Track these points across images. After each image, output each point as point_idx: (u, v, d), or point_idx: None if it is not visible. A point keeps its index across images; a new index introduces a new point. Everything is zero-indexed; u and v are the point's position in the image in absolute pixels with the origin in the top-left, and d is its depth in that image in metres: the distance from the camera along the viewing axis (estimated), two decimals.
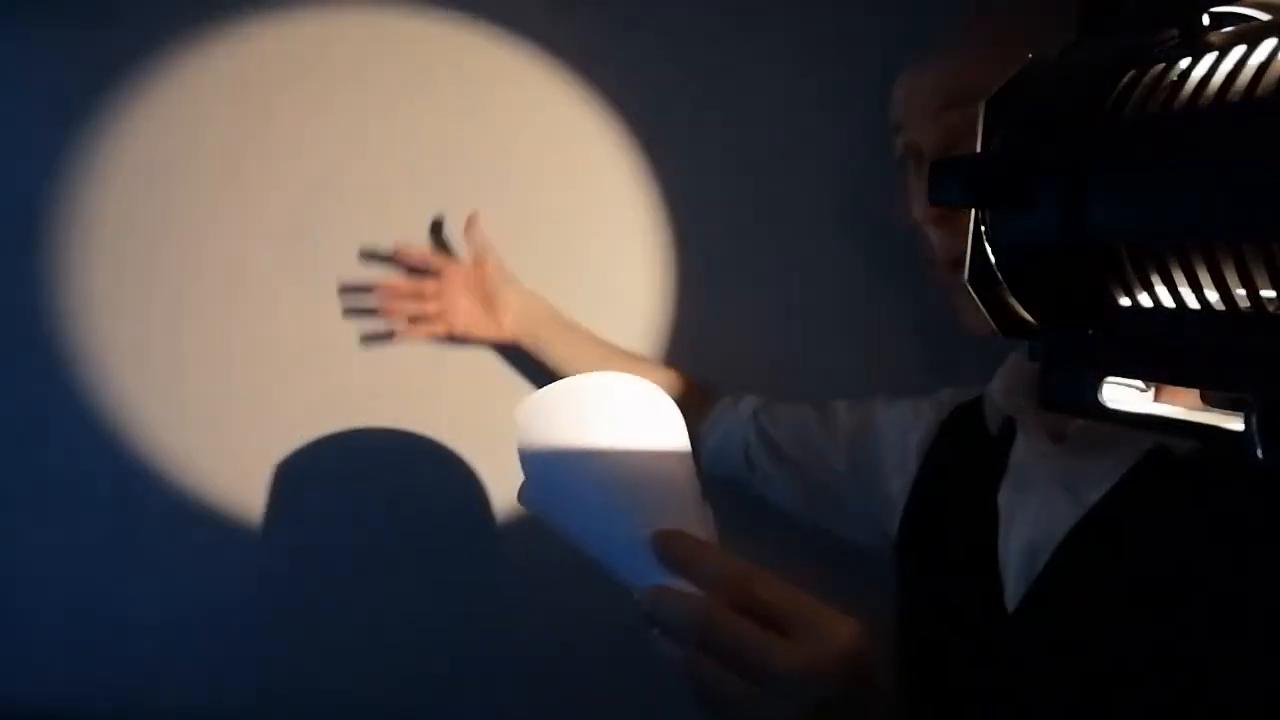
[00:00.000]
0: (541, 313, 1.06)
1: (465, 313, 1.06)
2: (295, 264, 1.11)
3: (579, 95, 1.09)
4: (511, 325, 1.05)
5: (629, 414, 0.58)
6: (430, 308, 1.08)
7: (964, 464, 0.75)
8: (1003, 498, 0.67)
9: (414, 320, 1.09)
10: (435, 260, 1.08)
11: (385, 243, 1.10)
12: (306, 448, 1.13)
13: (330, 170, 1.10)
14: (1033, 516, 0.63)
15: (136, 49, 1.10)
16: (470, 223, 1.04)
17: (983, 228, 0.36)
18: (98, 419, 1.13)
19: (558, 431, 0.58)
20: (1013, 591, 0.63)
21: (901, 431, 0.85)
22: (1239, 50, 0.29)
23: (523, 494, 0.59)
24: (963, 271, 0.63)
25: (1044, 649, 0.60)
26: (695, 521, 0.56)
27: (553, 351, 1.04)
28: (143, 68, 1.10)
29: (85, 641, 1.15)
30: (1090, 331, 0.34)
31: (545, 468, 0.58)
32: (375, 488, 1.14)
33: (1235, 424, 0.30)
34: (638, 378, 0.60)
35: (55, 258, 1.12)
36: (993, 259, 0.36)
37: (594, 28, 1.08)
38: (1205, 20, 0.31)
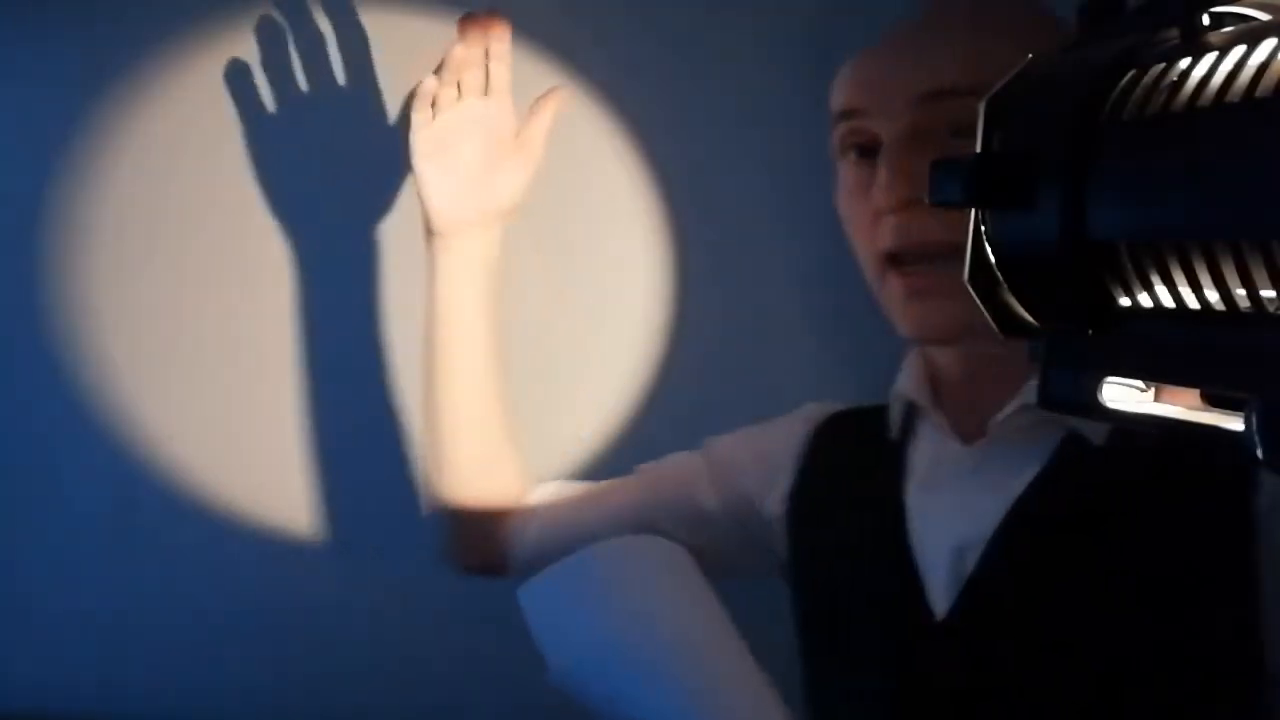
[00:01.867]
0: (493, 260, 0.86)
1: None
2: (294, 264, 1.11)
3: (577, 95, 1.09)
4: (472, 215, 0.83)
5: (646, 581, 0.57)
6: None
7: (855, 469, 0.75)
8: (914, 500, 0.67)
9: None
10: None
11: (385, 241, 1.10)
12: (305, 447, 1.13)
13: (330, 170, 1.10)
14: (955, 517, 0.64)
15: (135, 49, 1.10)
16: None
17: (983, 228, 0.36)
18: (94, 418, 1.13)
19: (579, 613, 0.56)
20: (940, 595, 0.63)
21: (764, 450, 0.82)
22: (1239, 50, 0.29)
23: (552, 675, 0.58)
24: (899, 267, 0.64)
25: (979, 651, 0.60)
26: (738, 671, 0.55)
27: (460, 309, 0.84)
28: (142, 68, 1.10)
29: (83, 642, 1.15)
30: (1090, 331, 0.34)
31: (574, 652, 0.57)
32: (375, 487, 1.14)
33: (1235, 424, 0.30)
34: (639, 539, 0.59)
35: (52, 258, 1.12)
36: (993, 259, 0.36)
37: (594, 27, 1.08)
38: (1205, 20, 0.31)
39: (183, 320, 1.11)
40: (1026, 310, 0.36)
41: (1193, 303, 0.30)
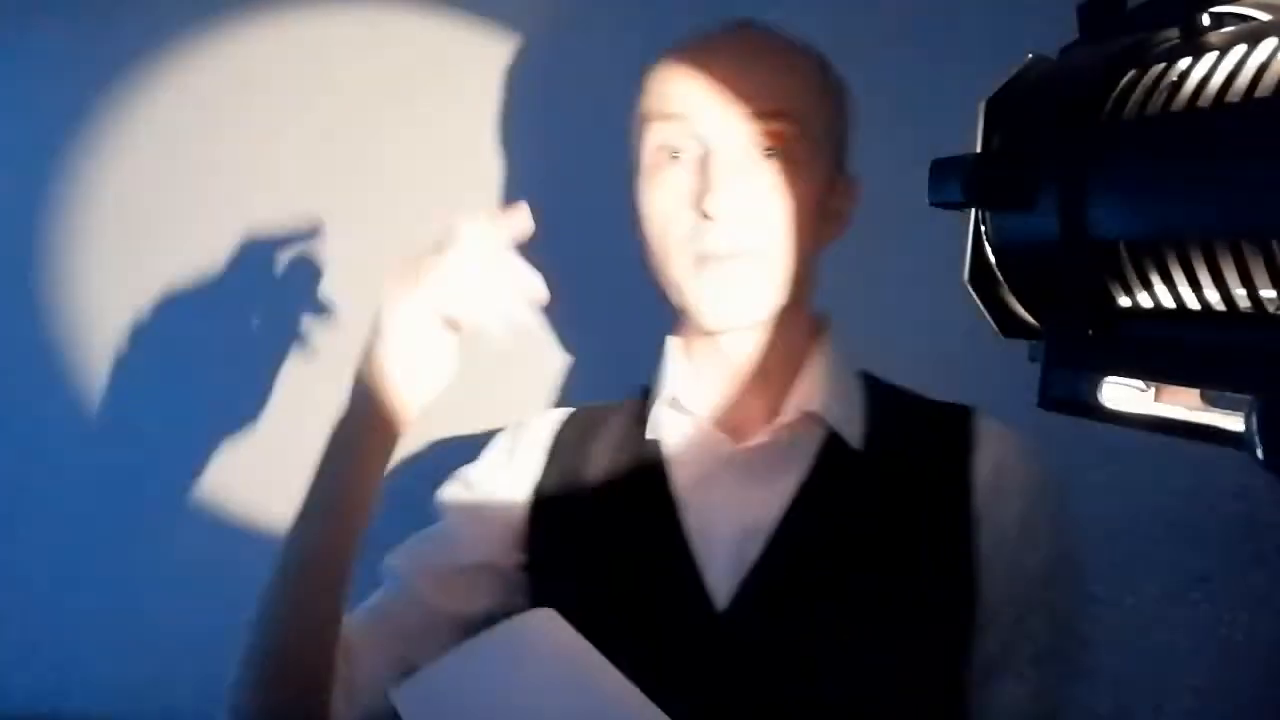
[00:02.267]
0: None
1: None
2: (296, 264, 1.11)
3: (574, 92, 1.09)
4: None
5: (558, 655, 0.56)
6: None
7: (611, 467, 0.74)
8: (687, 495, 0.69)
9: None
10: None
11: (389, 242, 1.10)
12: (309, 448, 1.13)
13: (333, 170, 1.10)
14: (734, 511, 0.67)
15: (136, 49, 1.10)
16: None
17: (983, 228, 0.36)
18: (96, 420, 1.13)
19: (487, 705, 0.54)
20: (721, 586, 0.65)
21: (507, 467, 0.79)
22: (1239, 50, 0.29)
23: None
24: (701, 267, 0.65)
25: (760, 636, 0.64)
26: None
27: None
28: (142, 68, 1.10)
29: (83, 642, 1.15)
30: (1090, 331, 0.34)
31: None
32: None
33: (1235, 424, 0.30)
34: (523, 617, 0.58)
35: (54, 258, 1.12)
36: (993, 259, 0.36)
37: (594, 28, 1.08)
38: (1205, 20, 0.31)
39: (183, 320, 1.11)
40: (1027, 310, 0.36)
41: (1193, 303, 0.30)
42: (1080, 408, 0.35)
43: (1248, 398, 0.28)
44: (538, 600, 0.68)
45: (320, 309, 1.12)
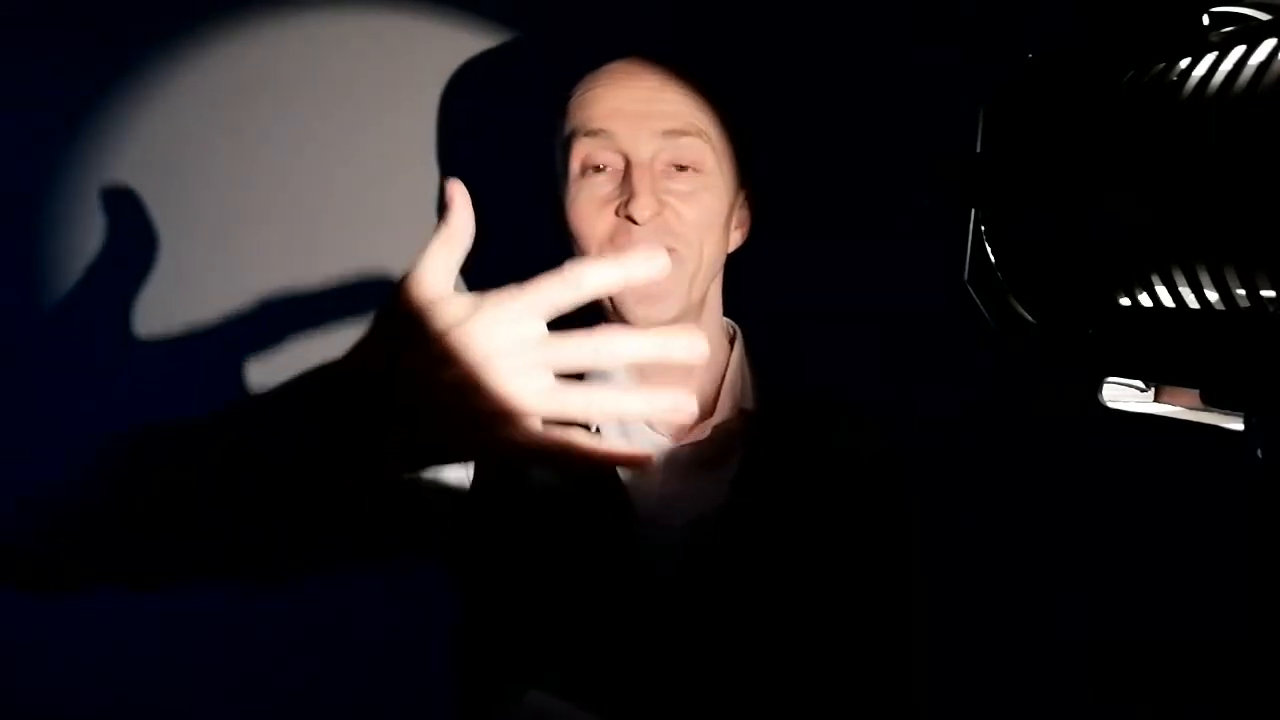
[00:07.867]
0: None
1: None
2: (298, 266, 1.11)
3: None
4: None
5: None
6: None
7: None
8: (635, 488, 0.75)
9: None
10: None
11: (389, 245, 1.10)
12: None
13: (333, 171, 1.10)
14: (684, 504, 0.75)
15: (137, 49, 1.10)
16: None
17: (983, 228, 0.36)
18: (96, 422, 1.13)
19: None
20: (675, 564, 0.72)
21: None
22: (1239, 50, 0.29)
23: None
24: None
25: (717, 607, 0.71)
26: None
27: None
28: (144, 68, 1.10)
29: (86, 643, 1.15)
30: (1090, 331, 0.34)
31: None
32: None
33: (1235, 424, 0.30)
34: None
35: (54, 259, 1.12)
36: (993, 259, 0.36)
37: (593, 27, 1.08)
38: (1205, 20, 0.31)
39: (182, 321, 1.11)
40: (1026, 310, 0.36)
41: (1193, 303, 0.30)
42: (1080, 408, 0.35)
43: (1248, 398, 0.28)
44: (476, 574, 0.76)
45: (325, 308, 1.12)
